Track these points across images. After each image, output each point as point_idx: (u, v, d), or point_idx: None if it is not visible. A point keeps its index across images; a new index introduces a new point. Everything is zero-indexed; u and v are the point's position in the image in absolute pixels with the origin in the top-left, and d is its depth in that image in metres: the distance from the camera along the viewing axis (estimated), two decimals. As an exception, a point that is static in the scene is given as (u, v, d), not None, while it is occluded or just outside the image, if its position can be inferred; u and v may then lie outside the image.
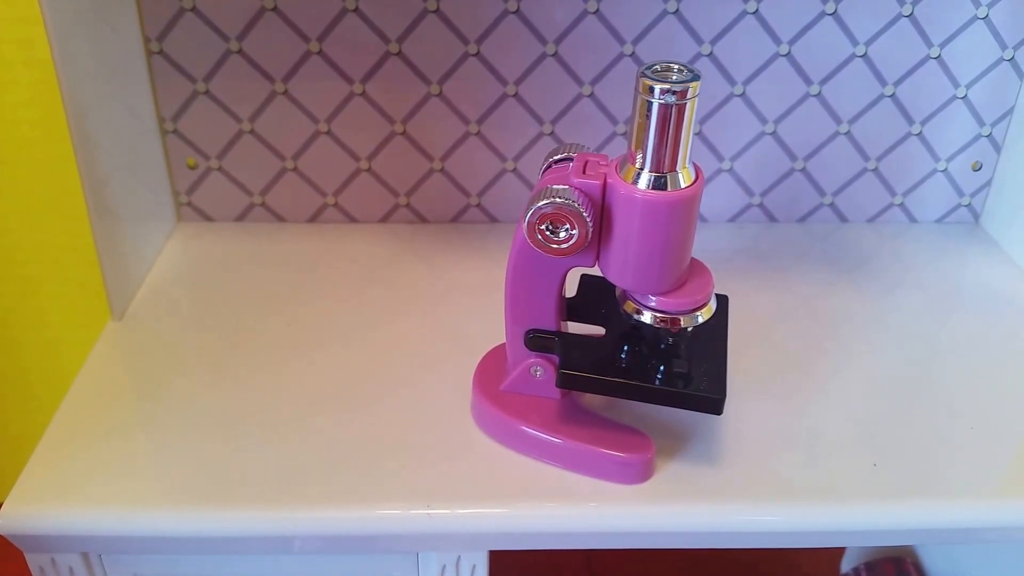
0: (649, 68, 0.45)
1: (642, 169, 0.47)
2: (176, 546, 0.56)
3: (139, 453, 0.60)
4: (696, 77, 0.45)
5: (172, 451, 0.60)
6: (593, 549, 1.19)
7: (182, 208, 0.85)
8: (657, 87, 0.44)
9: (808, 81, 0.80)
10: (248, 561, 0.59)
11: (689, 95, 0.45)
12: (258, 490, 0.57)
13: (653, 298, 0.51)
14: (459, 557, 0.59)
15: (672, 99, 0.44)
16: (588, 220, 0.48)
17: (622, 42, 0.78)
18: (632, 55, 0.78)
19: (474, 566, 0.59)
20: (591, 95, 0.80)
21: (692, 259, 0.52)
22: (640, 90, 0.45)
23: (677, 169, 0.47)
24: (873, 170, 0.86)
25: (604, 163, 0.50)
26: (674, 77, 0.45)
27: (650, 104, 0.45)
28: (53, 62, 0.61)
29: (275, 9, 0.75)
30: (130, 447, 0.60)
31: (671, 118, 0.45)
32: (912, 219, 0.89)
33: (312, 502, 0.56)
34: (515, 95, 0.80)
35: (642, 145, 0.46)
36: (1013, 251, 0.83)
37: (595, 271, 0.54)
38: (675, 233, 0.48)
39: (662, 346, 0.55)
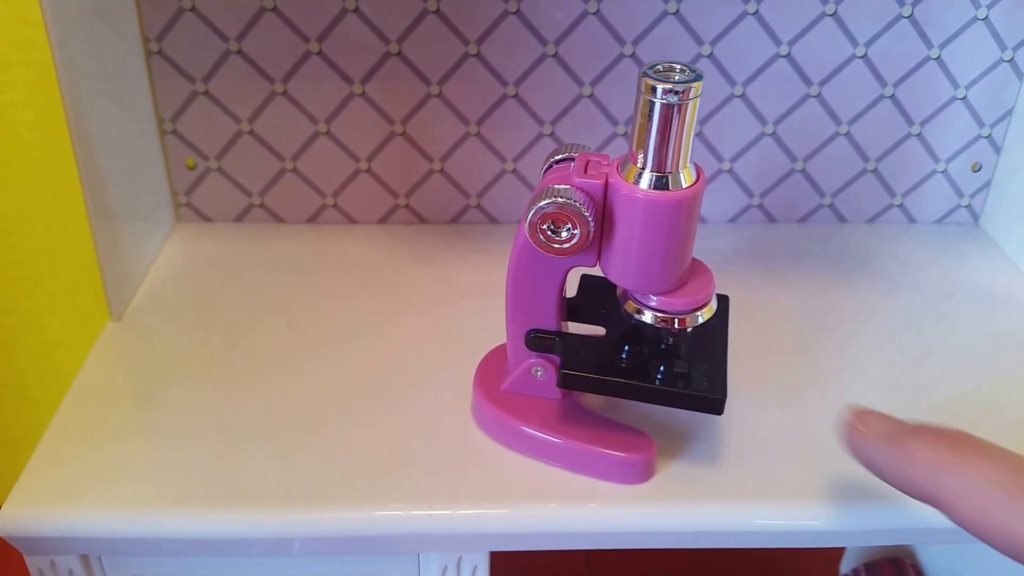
0: (651, 68, 0.45)
1: (643, 169, 0.47)
2: (176, 548, 0.56)
3: (139, 455, 0.59)
4: (698, 77, 0.45)
5: (172, 452, 0.60)
6: (592, 553, 1.19)
7: (181, 209, 0.85)
8: (659, 87, 0.44)
9: (808, 82, 0.80)
10: (248, 563, 0.59)
11: (691, 95, 0.44)
12: (258, 491, 0.57)
13: (654, 298, 0.51)
14: (460, 558, 0.59)
15: (674, 99, 0.44)
16: (590, 220, 0.48)
17: (622, 43, 0.78)
18: (632, 56, 0.78)
19: (475, 567, 0.59)
20: (591, 96, 0.80)
21: (693, 259, 0.52)
22: (642, 90, 0.45)
23: (679, 169, 0.47)
24: (873, 171, 0.86)
25: (605, 163, 0.50)
26: (676, 77, 0.45)
27: (652, 104, 0.45)
28: (53, 63, 0.61)
29: (275, 9, 0.75)
30: (130, 448, 0.60)
31: (673, 118, 0.45)
32: (912, 220, 0.89)
33: (312, 503, 0.56)
34: (515, 96, 0.80)
35: (644, 145, 0.46)
36: (1012, 252, 0.83)
37: (595, 271, 0.54)
38: (676, 233, 0.48)
39: (662, 346, 0.55)
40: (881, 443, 0.40)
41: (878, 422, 0.42)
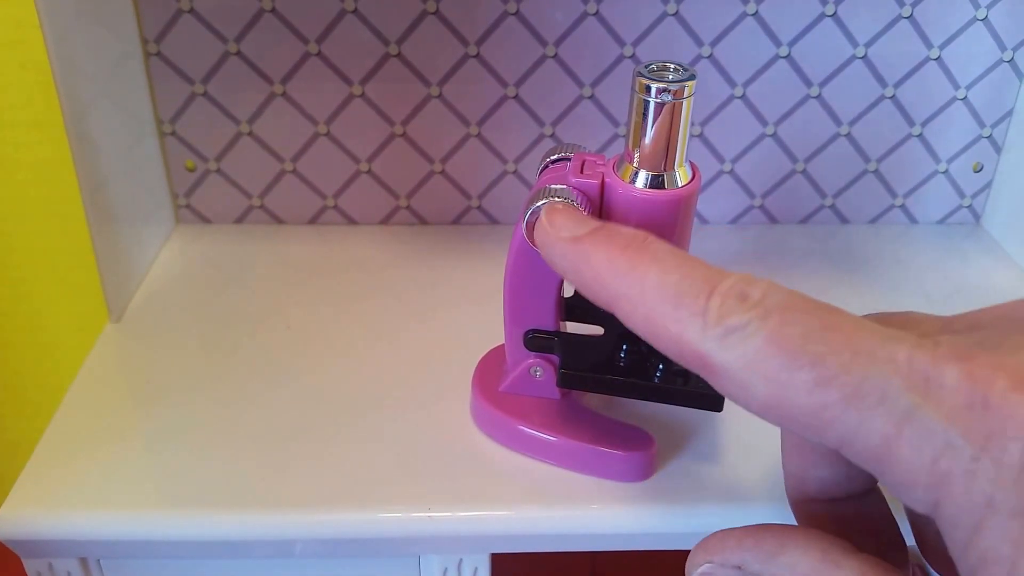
0: (645, 67, 0.45)
1: (639, 168, 0.47)
2: (176, 550, 0.56)
3: (138, 456, 0.59)
4: (692, 76, 0.45)
5: (171, 454, 0.60)
6: (597, 553, 1.19)
7: (180, 210, 0.85)
8: (653, 86, 0.44)
9: (808, 83, 0.80)
10: (248, 565, 0.59)
11: (685, 94, 0.44)
12: (258, 494, 0.57)
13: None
14: (461, 560, 0.59)
15: (668, 98, 0.44)
16: (586, 220, 0.48)
17: (622, 44, 0.78)
18: (632, 57, 0.78)
19: (476, 569, 0.59)
20: (591, 97, 0.80)
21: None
22: (636, 89, 0.45)
23: (674, 168, 0.46)
24: (874, 171, 0.85)
25: (601, 162, 0.49)
26: (670, 76, 0.45)
27: (647, 103, 0.45)
28: (50, 64, 0.61)
29: (273, 11, 0.75)
30: (129, 450, 0.60)
31: (668, 117, 0.45)
32: (913, 220, 0.89)
33: (312, 505, 0.56)
34: (515, 97, 0.80)
35: (639, 144, 0.46)
36: (1014, 252, 0.83)
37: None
38: (672, 232, 0.48)
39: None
40: (562, 243, 0.37)
41: (563, 220, 0.39)
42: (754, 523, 0.34)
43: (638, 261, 0.33)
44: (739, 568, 0.33)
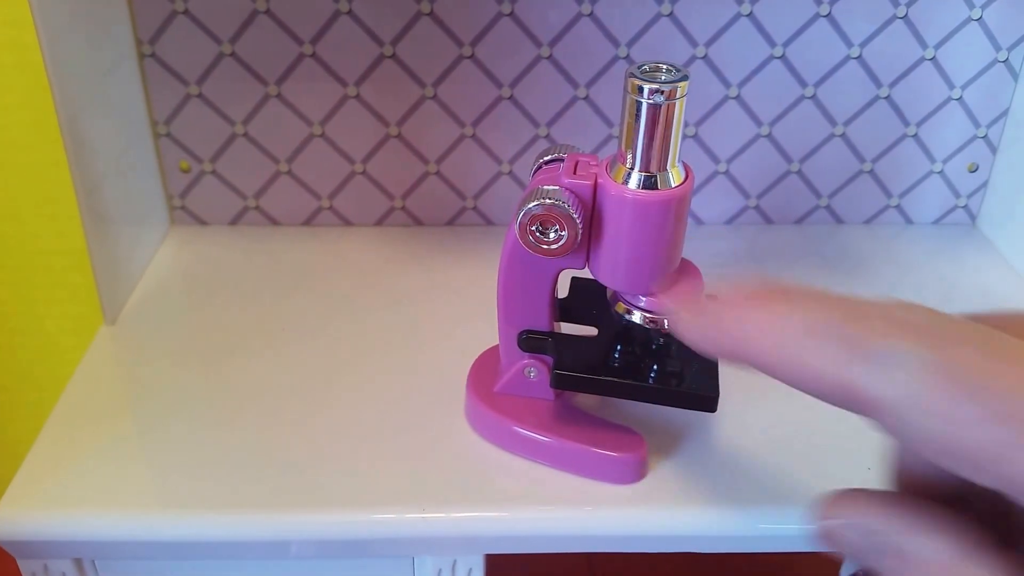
0: (638, 68, 0.45)
1: (632, 169, 0.47)
2: (171, 551, 0.56)
3: (133, 458, 0.59)
4: (685, 77, 0.45)
5: (166, 456, 0.59)
6: (594, 554, 1.19)
7: (175, 212, 0.85)
8: (646, 87, 0.44)
9: (803, 83, 0.80)
10: (244, 566, 0.59)
11: (678, 95, 0.44)
12: (253, 494, 0.57)
13: (643, 298, 0.51)
14: (455, 561, 0.59)
15: (661, 99, 0.44)
16: (578, 221, 0.48)
17: (616, 44, 0.78)
18: (627, 58, 0.78)
19: (470, 570, 0.59)
20: (586, 98, 0.80)
21: (682, 260, 0.52)
22: (629, 90, 0.45)
23: (667, 168, 0.46)
24: (868, 172, 0.85)
25: (595, 163, 0.49)
26: (663, 77, 0.45)
27: (639, 104, 0.45)
28: (44, 65, 0.61)
29: (268, 12, 0.75)
30: (124, 452, 0.60)
31: (660, 118, 0.45)
32: (908, 221, 0.89)
33: (308, 506, 0.56)
34: (510, 98, 0.80)
35: (632, 145, 0.46)
36: (1009, 252, 0.83)
37: (586, 272, 0.54)
38: (665, 233, 0.48)
39: (654, 346, 0.55)
40: (690, 315, 0.36)
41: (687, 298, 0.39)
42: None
43: (769, 301, 0.32)
44: (870, 532, 0.30)
